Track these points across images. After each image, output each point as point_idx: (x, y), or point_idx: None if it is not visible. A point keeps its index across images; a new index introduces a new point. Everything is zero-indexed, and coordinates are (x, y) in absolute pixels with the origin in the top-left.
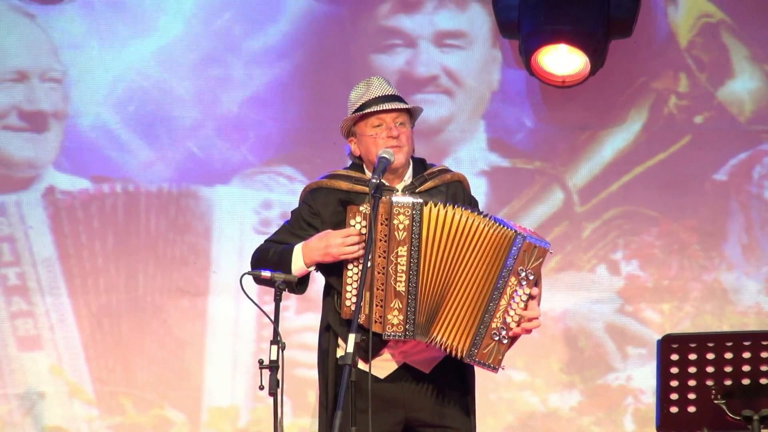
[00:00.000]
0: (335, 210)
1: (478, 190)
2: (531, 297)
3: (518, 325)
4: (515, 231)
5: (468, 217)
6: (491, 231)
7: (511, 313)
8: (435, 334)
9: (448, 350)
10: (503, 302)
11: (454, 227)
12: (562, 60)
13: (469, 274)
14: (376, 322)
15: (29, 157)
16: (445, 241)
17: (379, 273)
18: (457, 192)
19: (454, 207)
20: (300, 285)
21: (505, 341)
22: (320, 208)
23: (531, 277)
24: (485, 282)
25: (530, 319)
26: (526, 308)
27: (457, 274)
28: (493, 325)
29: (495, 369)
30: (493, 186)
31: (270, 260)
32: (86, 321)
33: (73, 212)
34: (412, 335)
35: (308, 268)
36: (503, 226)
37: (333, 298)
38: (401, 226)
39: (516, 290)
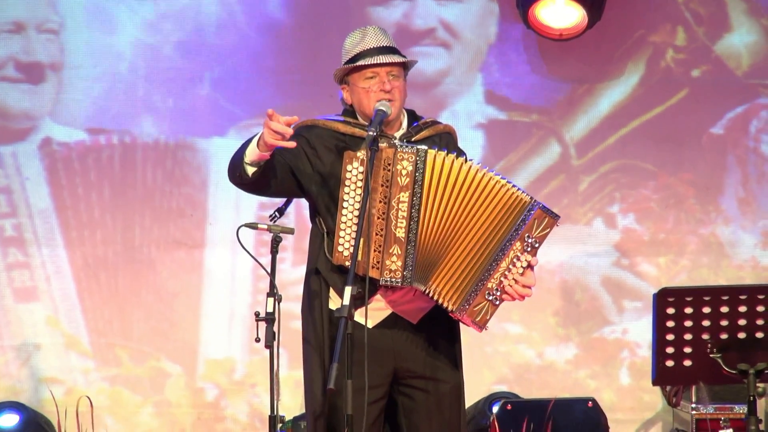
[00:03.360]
0: (332, 151)
1: (475, 143)
2: (530, 266)
3: (513, 290)
4: (531, 197)
5: (477, 171)
6: (504, 191)
7: (509, 276)
8: (432, 284)
9: (438, 299)
10: (503, 264)
11: (461, 177)
12: (559, 13)
13: (474, 228)
14: (373, 267)
15: (26, 108)
16: (450, 190)
17: (379, 218)
18: (449, 143)
19: (459, 157)
20: (256, 177)
21: (496, 303)
22: (317, 143)
23: (536, 245)
24: (489, 240)
25: (525, 286)
26: (523, 275)
27: (461, 226)
28: (489, 285)
29: (480, 328)
30: (490, 139)
31: (235, 152)
32: (82, 273)
33: (69, 164)
34: (410, 282)
35: (259, 149)
36: (518, 190)
37: (321, 241)
38: (404, 172)
39: (518, 255)
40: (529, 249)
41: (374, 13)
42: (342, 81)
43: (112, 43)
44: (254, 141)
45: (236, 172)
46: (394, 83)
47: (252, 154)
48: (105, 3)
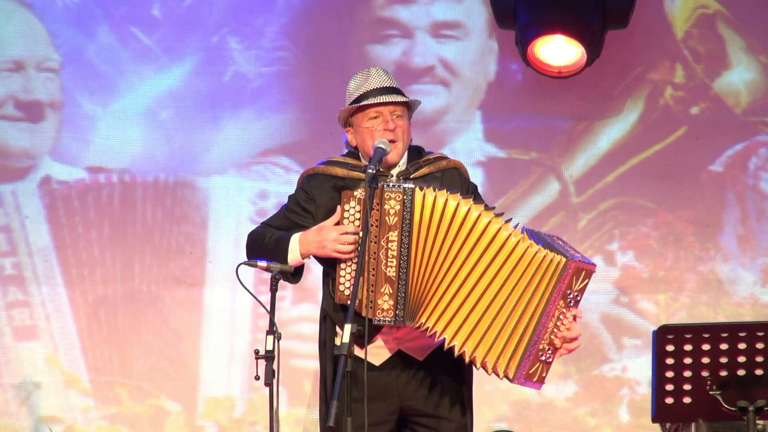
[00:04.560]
0: (331, 196)
1: (475, 180)
2: (574, 318)
3: (561, 347)
4: (564, 255)
5: (481, 215)
6: (529, 251)
7: (558, 334)
8: (426, 321)
9: (492, 371)
10: (551, 325)
11: (458, 217)
12: (558, 50)
13: (481, 272)
14: (367, 307)
15: (25, 146)
16: (444, 229)
17: (370, 258)
18: (453, 179)
19: (455, 195)
20: (295, 275)
21: (550, 361)
22: (316, 194)
23: (578, 299)
24: (528, 303)
25: (572, 340)
26: (568, 329)
27: (459, 266)
28: (540, 347)
29: (539, 387)
30: (489, 176)
31: (266, 246)
32: (82, 311)
33: (69, 202)
34: (402, 321)
35: (303, 259)
36: (543, 247)
37: (329, 284)
38: (392, 211)
39: (563, 312)
40: (572, 303)
41: (373, 51)
42: (346, 123)
43: (111, 81)
44: (295, 252)
45: (282, 277)
46: (397, 122)
47: (296, 262)
48: (104, 41)
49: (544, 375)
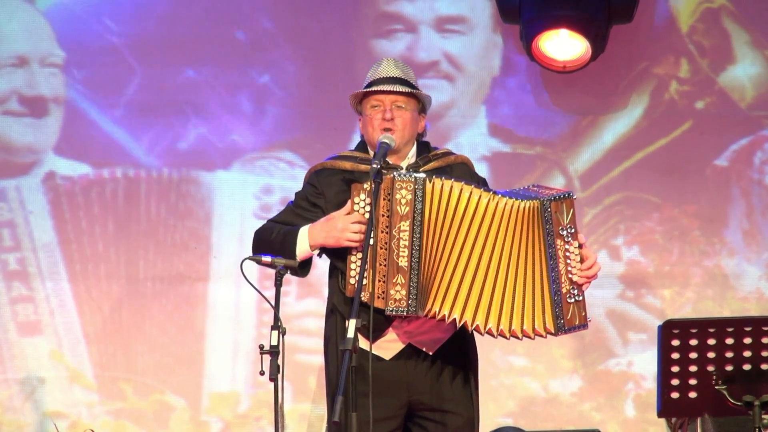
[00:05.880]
0: (339, 189)
1: (479, 175)
2: (580, 247)
3: (584, 279)
4: (537, 198)
5: (475, 194)
6: (511, 207)
7: (574, 271)
8: (440, 310)
9: (534, 335)
10: (561, 266)
11: (462, 203)
12: (563, 45)
13: (490, 250)
14: (378, 297)
15: (29, 142)
16: (451, 216)
17: (381, 248)
18: (463, 174)
19: (460, 183)
20: (303, 268)
21: (580, 298)
22: (324, 188)
23: (573, 230)
24: (532, 259)
25: (590, 268)
26: (581, 261)
27: (469, 250)
28: (564, 291)
29: (586, 326)
30: (494, 171)
31: (273, 241)
32: (86, 306)
33: (73, 197)
34: (415, 310)
35: (312, 251)
36: (519, 200)
37: (337, 278)
38: (403, 201)
39: (566, 249)
40: (570, 238)
41: (378, 45)
42: (358, 111)
43: (115, 76)
44: (304, 244)
45: (286, 272)
46: (396, 113)
47: (305, 254)
48: (107, 36)
49: (584, 314)
